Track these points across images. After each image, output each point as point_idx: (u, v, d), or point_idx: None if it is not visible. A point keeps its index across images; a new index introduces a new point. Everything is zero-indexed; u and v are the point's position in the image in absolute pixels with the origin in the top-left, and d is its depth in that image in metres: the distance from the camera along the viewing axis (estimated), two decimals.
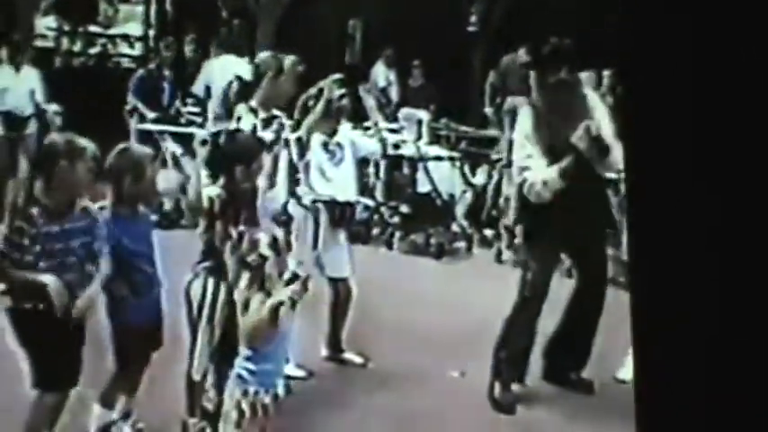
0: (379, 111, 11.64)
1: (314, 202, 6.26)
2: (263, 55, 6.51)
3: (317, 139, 6.33)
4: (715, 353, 1.74)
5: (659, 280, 1.77)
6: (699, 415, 1.79)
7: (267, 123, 6.01)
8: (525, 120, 5.84)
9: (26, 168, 4.70)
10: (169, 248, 5.19)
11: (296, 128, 6.24)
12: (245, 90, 6.26)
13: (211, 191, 5.20)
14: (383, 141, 6.70)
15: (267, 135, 5.86)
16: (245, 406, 4.33)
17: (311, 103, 6.28)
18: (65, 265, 4.53)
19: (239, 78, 6.43)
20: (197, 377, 4.96)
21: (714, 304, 1.72)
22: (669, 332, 1.78)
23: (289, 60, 6.30)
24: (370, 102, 7.10)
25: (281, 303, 4.23)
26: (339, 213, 6.35)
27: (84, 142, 4.64)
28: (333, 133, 6.42)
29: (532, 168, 5.68)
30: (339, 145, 6.43)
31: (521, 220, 6.15)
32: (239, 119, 5.98)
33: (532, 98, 5.90)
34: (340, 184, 6.39)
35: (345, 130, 6.58)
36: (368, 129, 9.55)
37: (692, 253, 1.73)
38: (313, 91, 6.33)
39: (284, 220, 5.60)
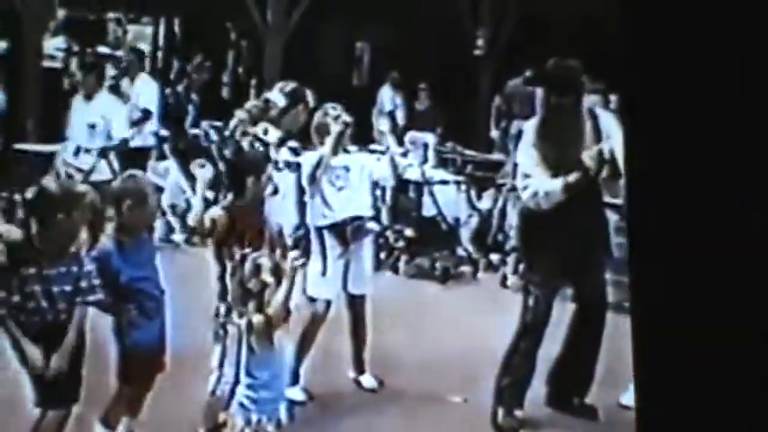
0: (391, 135, 11.65)
1: (319, 228, 6.26)
2: (295, 86, 6.72)
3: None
4: (717, 378, 1.73)
5: (661, 303, 1.76)
6: None
7: (282, 143, 6.13)
8: (531, 130, 5.86)
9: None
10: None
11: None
12: (274, 113, 6.41)
13: (213, 212, 5.22)
14: (395, 166, 6.69)
15: (281, 156, 5.96)
16: None
17: (332, 130, 6.30)
18: (46, 309, 4.49)
19: (267, 101, 6.58)
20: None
21: (717, 328, 1.71)
22: (671, 356, 1.77)
23: (309, 95, 6.62)
24: (383, 126, 7.13)
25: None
26: (348, 231, 6.33)
27: (82, 188, 4.63)
28: (336, 155, 6.41)
29: (536, 176, 5.68)
30: (346, 168, 6.42)
31: (520, 245, 6.13)
32: (266, 131, 6.09)
33: (540, 113, 5.93)
34: (345, 206, 6.37)
35: (353, 154, 6.57)
36: (379, 152, 9.55)
37: (695, 276, 1.72)
38: (321, 118, 6.37)
39: (297, 238, 5.62)
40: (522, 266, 6.60)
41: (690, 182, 1.74)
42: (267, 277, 4.40)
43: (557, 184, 5.58)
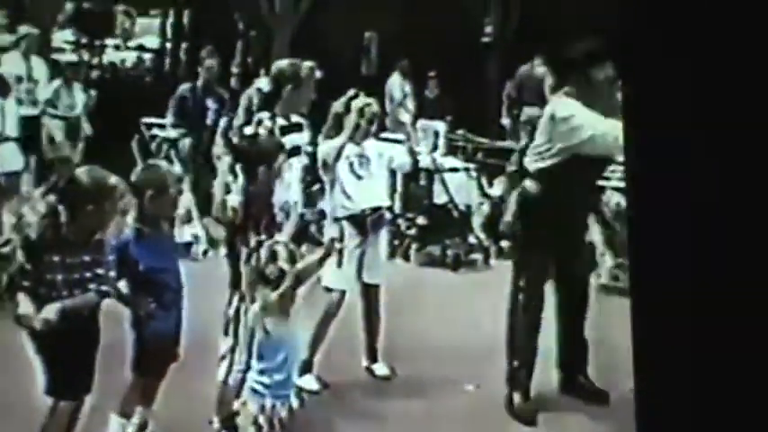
0: (412, 126, 11.63)
1: (336, 219, 6.23)
2: (281, 64, 6.52)
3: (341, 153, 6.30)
4: (716, 364, 1.73)
5: (660, 287, 1.76)
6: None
7: (287, 131, 6.06)
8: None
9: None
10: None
11: (323, 137, 6.27)
12: (266, 100, 6.28)
13: (232, 200, 5.23)
14: (415, 155, 6.67)
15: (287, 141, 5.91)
16: (262, 421, 4.32)
17: (347, 121, 6.25)
18: (64, 298, 4.48)
19: (259, 90, 6.45)
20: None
21: (717, 315, 1.71)
22: (670, 344, 1.77)
23: (306, 68, 6.36)
24: (404, 117, 7.08)
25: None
26: (368, 221, 6.30)
27: (113, 180, 4.62)
28: (359, 144, 6.38)
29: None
30: (365, 157, 6.39)
31: (517, 226, 6.12)
32: (259, 123, 6.02)
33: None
34: (365, 196, 6.34)
35: (372, 143, 6.53)
36: (391, 140, 9.53)
37: (696, 266, 1.72)
38: (340, 108, 6.30)
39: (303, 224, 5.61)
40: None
41: (690, 172, 1.73)
42: (284, 264, 4.40)
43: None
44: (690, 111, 1.73)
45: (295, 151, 6.11)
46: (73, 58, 16.63)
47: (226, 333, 5.22)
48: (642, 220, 1.84)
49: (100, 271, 4.55)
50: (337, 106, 6.30)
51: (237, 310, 4.93)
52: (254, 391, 4.35)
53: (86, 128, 11.61)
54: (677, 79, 1.72)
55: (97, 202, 4.49)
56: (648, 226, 1.81)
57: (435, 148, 11.10)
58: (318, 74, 6.40)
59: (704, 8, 1.70)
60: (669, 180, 1.75)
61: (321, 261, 4.80)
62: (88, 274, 4.52)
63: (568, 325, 6.14)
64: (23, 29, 11.51)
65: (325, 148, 6.21)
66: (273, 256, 4.44)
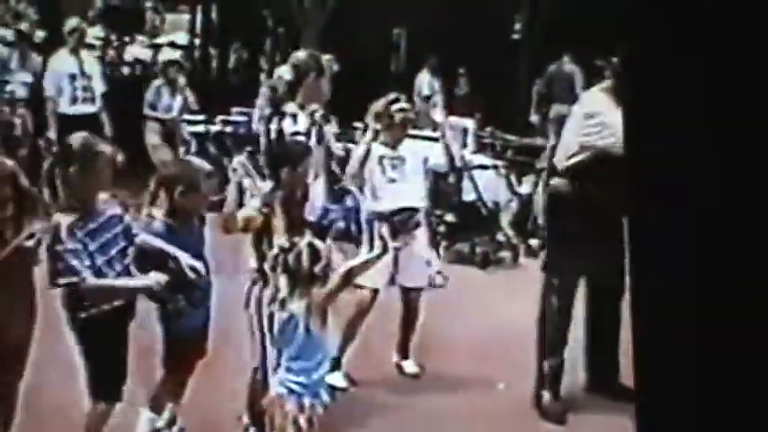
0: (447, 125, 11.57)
1: (369, 218, 6.20)
2: (301, 55, 6.55)
3: (376, 151, 6.31)
4: (717, 362, 1.71)
5: (660, 287, 1.74)
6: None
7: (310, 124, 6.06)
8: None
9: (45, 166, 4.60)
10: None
11: (342, 136, 6.27)
12: (288, 88, 6.27)
13: (246, 212, 5.17)
14: (451, 154, 6.64)
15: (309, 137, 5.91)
16: (302, 421, 4.31)
17: (382, 121, 6.25)
18: (117, 255, 4.52)
19: (280, 77, 6.45)
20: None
21: (716, 315, 1.69)
22: (670, 342, 1.76)
23: (326, 60, 6.40)
24: (439, 117, 7.04)
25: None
26: (399, 222, 6.25)
27: (101, 147, 4.62)
28: (394, 147, 6.38)
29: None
30: (401, 159, 6.37)
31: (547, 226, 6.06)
32: (294, 116, 6.04)
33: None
34: (397, 197, 6.32)
35: (408, 144, 6.53)
36: (424, 138, 9.51)
37: (696, 264, 1.70)
38: (380, 108, 6.30)
39: (326, 224, 5.58)
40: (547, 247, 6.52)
41: (691, 172, 1.71)
42: (316, 264, 4.39)
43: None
44: (692, 110, 1.71)
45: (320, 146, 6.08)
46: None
47: (252, 331, 5.18)
48: (642, 220, 1.82)
49: (122, 243, 4.57)
50: (378, 107, 6.30)
51: (268, 312, 4.89)
52: (291, 390, 4.33)
53: (184, 131, 11.30)
54: (682, 78, 1.70)
55: (83, 166, 4.47)
56: (648, 226, 1.80)
57: (464, 145, 11.05)
58: (336, 67, 6.44)
59: (709, 7, 1.68)
60: (669, 180, 1.74)
61: (371, 261, 4.80)
62: (114, 251, 4.52)
63: (597, 325, 6.09)
64: (72, 22, 11.01)
65: (358, 148, 6.23)
66: (316, 255, 4.41)
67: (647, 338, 1.76)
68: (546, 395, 5.86)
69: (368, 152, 6.19)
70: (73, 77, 10.47)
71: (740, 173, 1.59)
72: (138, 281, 4.55)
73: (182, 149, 10.95)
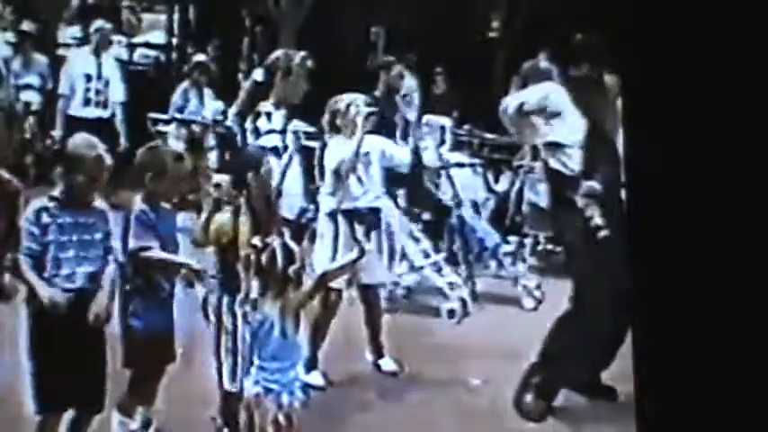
0: (417, 122, 11.55)
1: (332, 213, 6.19)
2: (273, 55, 6.55)
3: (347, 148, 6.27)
4: (714, 363, 1.71)
5: (660, 286, 1.74)
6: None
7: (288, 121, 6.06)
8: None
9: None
10: None
11: (318, 135, 6.23)
12: (259, 90, 6.26)
13: (219, 222, 5.15)
14: (417, 152, 6.65)
15: (280, 141, 5.88)
16: (281, 418, 4.31)
17: (339, 120, 6.23)
18: (80, 258, 4.53)
19: (254, 81, 6.43)
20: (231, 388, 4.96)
21: (716, 315, 1.69)
22: (670, 341, 1.76)
23: (298, 58, 6.36)
24: (411, 116, 7.05)
25: None
26: (363, 221, 6.26)
27: (86, 151, 4.60)
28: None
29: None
30: (367, 157, 6.35)
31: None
32: (269, 115, 6.02)
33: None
34: (362, 195, 6.31)
35: (373, 139, 6.51)
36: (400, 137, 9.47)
37: (695, 265, 1.70)
38: (342, 106, 6.27)
39: (300, 226, 5.58)
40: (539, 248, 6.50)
41: (691, 171, 1.71)
42: (290, 266, 4.38)
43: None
44: (689, 113, 1.72)
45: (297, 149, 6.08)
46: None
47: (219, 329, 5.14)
48: (642, 220, 1.83)
49: (100, 236, 4.61)
50: (338, 105, 6.27)
51: (242, 313, 4.87)
52: (268, 389, 4.33)
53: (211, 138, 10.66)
54: (677, 81, 1.71)
55: (73, 169, 4.53)
56: (648, 226, 1.80)
57: (441, 143, 11.03)
58: (310, 63, 6.40)
59: (704, 12, 1.69)
60: (670, 179, 1.74)
61: (347, 266, 4.81)
62: (87, 237, 4.55)
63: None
64: (98, 23, 10.82)
65: (336, 153, 6.19)
66: (290, 257, 4.41)
67: (647, 339, 1.76)
68: (528, 393, 5.84)
69: (352, 155, 6.17)
70: (88, 78, 10.24)
71: (742, 173, 1.59)
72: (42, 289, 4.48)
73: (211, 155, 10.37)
